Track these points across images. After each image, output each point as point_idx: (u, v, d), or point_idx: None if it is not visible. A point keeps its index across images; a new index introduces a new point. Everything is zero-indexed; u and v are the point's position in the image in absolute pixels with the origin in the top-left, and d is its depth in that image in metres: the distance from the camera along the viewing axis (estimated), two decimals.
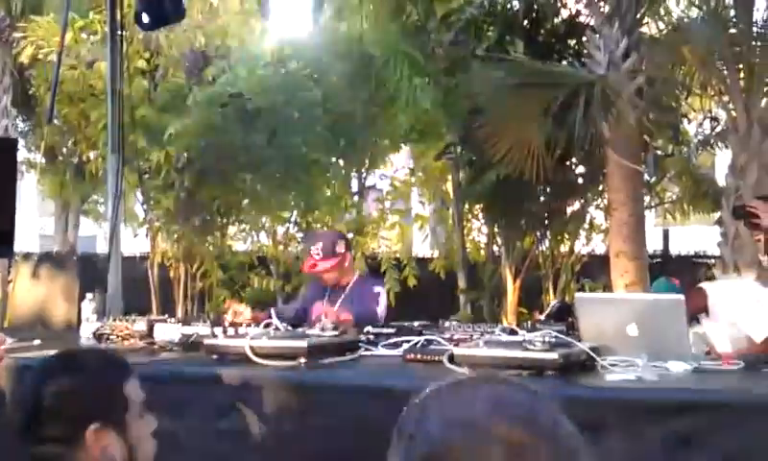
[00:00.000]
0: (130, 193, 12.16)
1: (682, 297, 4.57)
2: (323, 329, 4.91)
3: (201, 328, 5.20)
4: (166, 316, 6.04)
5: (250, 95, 10.86)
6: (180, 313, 11.28)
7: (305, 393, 4.38)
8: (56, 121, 12.55)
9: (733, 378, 4.16)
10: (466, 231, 11.57)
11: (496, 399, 1.25)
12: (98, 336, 5.48)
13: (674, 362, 4.18)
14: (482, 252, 11.42)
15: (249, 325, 5.24)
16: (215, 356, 4.75)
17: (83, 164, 13.42)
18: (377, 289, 6.20)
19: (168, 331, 5.34)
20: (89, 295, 5.89)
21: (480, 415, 1.21)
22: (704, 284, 6.02)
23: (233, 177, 11.53)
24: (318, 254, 6.10)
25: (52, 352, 4.66)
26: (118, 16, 8.41)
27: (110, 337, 5.42)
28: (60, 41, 8.22)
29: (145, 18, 8.13)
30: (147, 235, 12.34)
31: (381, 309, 6.01)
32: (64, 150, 14.28)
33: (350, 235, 11.24)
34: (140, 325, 5.49)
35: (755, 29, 7.85)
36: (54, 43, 10.82)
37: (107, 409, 2.32)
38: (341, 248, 6.13)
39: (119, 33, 8.41)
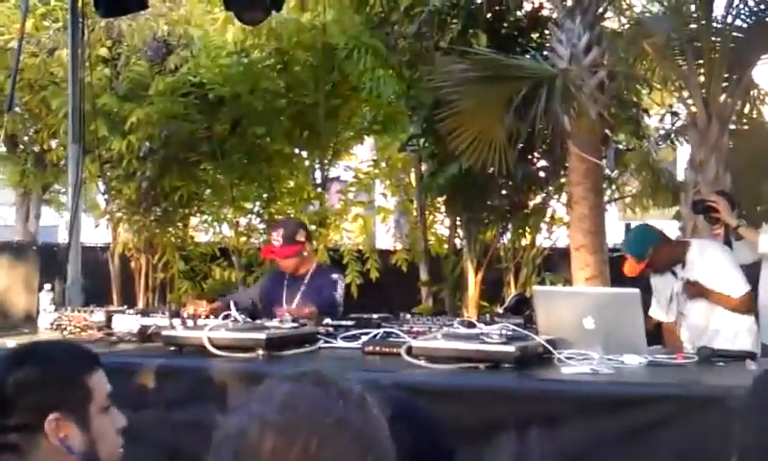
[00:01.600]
0: (91, 183, 12.07)
1: (637, 291, 4.61)
2: (281, 321, 4.92)
3: (159, 320, 5.19)
4: (125, 307, 6.03)
5: (212, 84, 10.82)
6: (140, 304, 11.22)
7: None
8: (16, 109, 12.44)
9: (687, 372, 4.22)
10: (428, 224, 11.59)
11: (288, 395, 1.35)
12: (56, 327, 5.46)
13: (629, 355, 4.24)
14: (444, 244, 11.44)
15: (207, 316, 5.24)
16: (173, 348, 4.75)
17: (44, 153, 13.31)
18: (335, 276, 6.27)
19: (127, 322, 5.33)
20: (47, 285, 5.86)
21: (268, 408, 1.33)
22: (691, 240, 6.19)
23: (195, 167, 11.48)
24: (278, 241, 6.14)
25: (10, 344, 4.62)
26: (80, 4, 8.36)
27: (68, 328, 5.39)
28: (21, 28, 8.16)
29: (106, 6, 8.09)
30: (108, 226, 12.26)
31: (339, 295, 6.07)
32: (25, 138, 14.15)
33: (313, 227, 11.23)
34: (99, 315, 5.48)
35: (714, 25, 7.91)
36: (14, 30, 10.71)
37: (67, 399, 2.30)
38: (301, 237, 6.19)
39: (81, 20, 8.35)
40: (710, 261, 5.75)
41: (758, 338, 5.62)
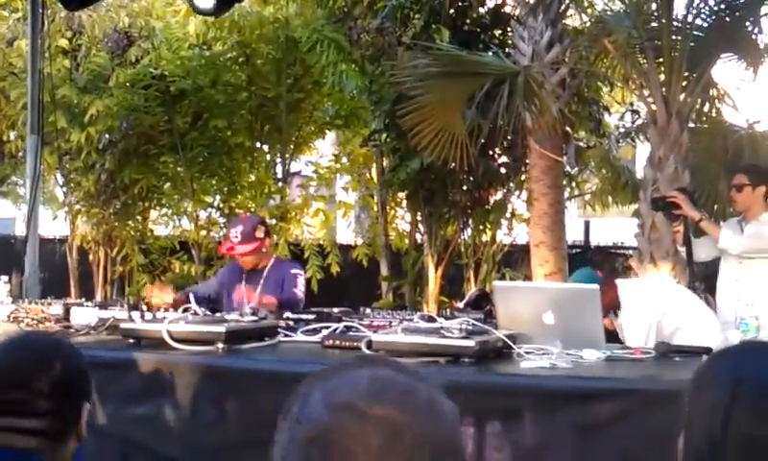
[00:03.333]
0: (49, 175, 11.98)
1: (596, 287, 4.65)
2: (241, 315, 4.90)
3: (118, 312, 5.15)
4: (83, 300, 5.98)
5: (173, 77, 10.76)
6: (99, 297, 11.14)
7: (223, 378, 4.37)
8: None
9: (644, 367, 4.25)
10: (389, 219, 11.59)
11: (375, 381, 1.28)
12: (13, 319, 5.40)
13: (588, 350, 4.26)
14: (405, 239, 11.44)
15: (167, 309, 5.21)
16: (132, 341, 4.71)
17: (2, 144, 13.19)
18: (295, 271, 6.24)
19: (85, 315, 5.28)
20: (4, 277, 5.81)
21: (359, 397, 1.25)
22: (618, 281, 6.12)
23: (155, 160, 11.41)
24: (236, 237, 6.11)
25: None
26: None
27: (25, 320, 5.34)
28: None
29: None
30: (66, 218, 12.15)
31: (300, 290, 6.05)
32: None
33: (273, 221, 11.20)
34: (56, 308, 5.43)
35: (675, 23, 7.96)
36: None
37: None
38: (260, 233, 6.15)
39: (41, 11, 8.28)
40: (640, 303, 5.71)
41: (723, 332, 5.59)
